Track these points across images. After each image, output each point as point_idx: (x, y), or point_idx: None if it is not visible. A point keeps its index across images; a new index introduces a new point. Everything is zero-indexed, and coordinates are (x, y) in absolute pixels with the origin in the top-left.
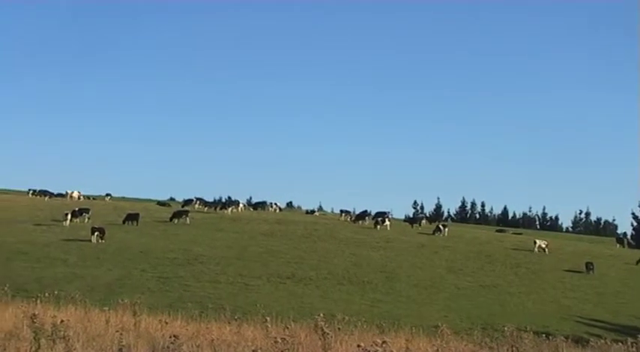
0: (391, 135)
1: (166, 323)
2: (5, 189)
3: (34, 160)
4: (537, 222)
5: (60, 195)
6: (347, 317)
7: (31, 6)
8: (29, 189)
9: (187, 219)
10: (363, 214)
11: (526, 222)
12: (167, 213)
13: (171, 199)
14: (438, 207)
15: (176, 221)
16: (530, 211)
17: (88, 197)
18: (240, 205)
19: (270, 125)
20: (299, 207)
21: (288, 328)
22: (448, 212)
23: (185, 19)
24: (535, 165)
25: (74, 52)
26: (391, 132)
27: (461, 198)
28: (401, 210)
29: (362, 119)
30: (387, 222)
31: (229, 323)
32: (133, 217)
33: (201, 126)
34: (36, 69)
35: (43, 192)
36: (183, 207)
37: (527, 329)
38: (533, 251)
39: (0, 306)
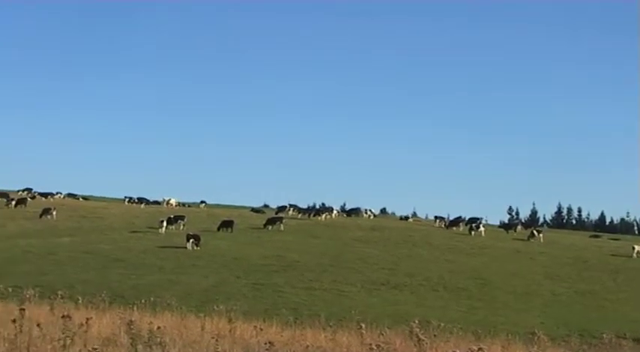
0: (486, 140)
1: (261, 329)
2: (102, 197)
3: (130, 168)
4: (635, 228)
5: (156, 202)
6: (442, 324)
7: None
8: (125, 197)
9: (281, 225)
10: (458, 220)
11: (624, 227)
12: (261, 219)
13: (265, 206)
14: (534, 212)
15: (270, 227)
16: (627, 216)
17: (183, 204)
18: (334, 212)
19: (366, 130)
20: (393, 214)
21: (383, 334)
22: (544, 217)
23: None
24: (634, 170)
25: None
26: (486, 137)
27: (557, 204)
28: (496, 215)
29: (454, 122)
30: (482, 228)
31: (324, 329)
32: (227, 224)
33: (295, 132)
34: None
35: (140, 200)
36: (277, 213)
37: (626, 336)
38: (631, 256)
39: (98, 313)
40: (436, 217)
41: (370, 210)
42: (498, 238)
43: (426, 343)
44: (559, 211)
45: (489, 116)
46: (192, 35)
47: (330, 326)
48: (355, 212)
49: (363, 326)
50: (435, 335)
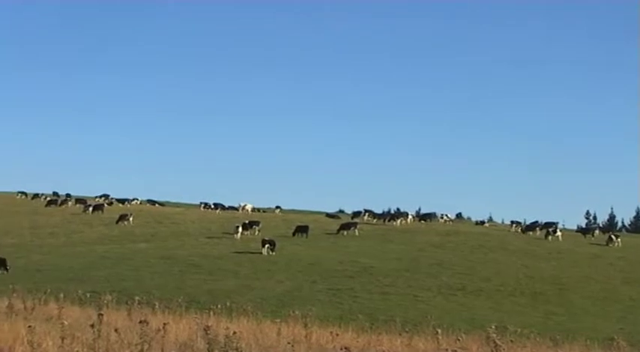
0: (563, 145)
1: (337, 334)
2: (178, 203)
3: (207, 173)
4: None
5: (232, 207)
6: (519, 330)
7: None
8: (201, 202)
9: (356, 230)
10: (534, 225)
11: None
12: (336, 225)
13: (341, 211)
14: (612, 217)
15: (345, 233)
16: None
17: (258, 209)
18: (410, 216)
19: (443, 135)
20: (469, 218)
21: (459, 340)
22: (622, 222)
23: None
24: None
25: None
26: (562, 142)
27: (635, 208)
28: (573, 220)
29: (528, 128)
30: (559, 233)
31: (400, 334)
32: (302, 229)
33: (371, 137)
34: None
35: (216, 205)
36: (352, 218)
37: None
38: None
39: (174, 318)
40: (512, 222)
41: (446, 215)
42: (576, 243)
43: (503, 349)
44: (638, 215)
45: (566, 122)
46: (259, 36)
47: (406, 332)
48: (430, 217)
49: (440, 331)
50: (511, 341)
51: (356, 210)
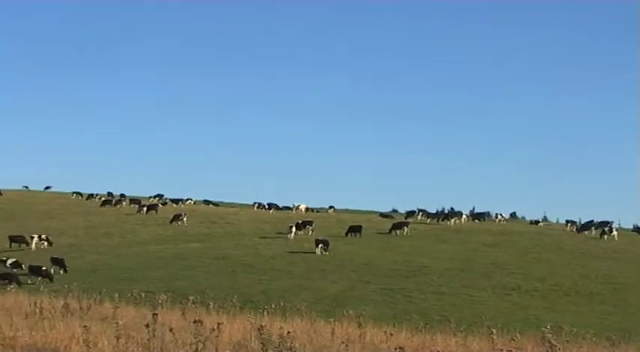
0: (619, 145)
1: (391, 334)
2: (232, 203)
3: (261, 174)
4: None
5: (287, 208)
6: (575, 330)
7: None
8: (254, 202)
9: (407, 230)
10: (589, 224)
11: None
12: (390, 225)
13: (394, 211)
14: None
15: (397, 232)
16: None
17: (312, 209)
18: (463, 216)
19: (497, 135)
20: (523, 218)
21: (514, 340)
22: None
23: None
24: None
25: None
26: (619, 141)
27: None
28: (629, 219)
29: (587, 126)
30: (615, 232)
31: (454, 334)
32: (355, 229)
33: (425, 137)
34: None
35: (270, 205)
36: (406, 218)
37: None
38: None
39: (228, 318)
40: (567, 221)
41: (500, 215)
42: (632, 242)
43: (559, 349)
44: None
45: (622, 122)
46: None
47: (461, 332)
48: (484, 216)
49: (494, 331)
50: (567, 341)
51: (410, 209)
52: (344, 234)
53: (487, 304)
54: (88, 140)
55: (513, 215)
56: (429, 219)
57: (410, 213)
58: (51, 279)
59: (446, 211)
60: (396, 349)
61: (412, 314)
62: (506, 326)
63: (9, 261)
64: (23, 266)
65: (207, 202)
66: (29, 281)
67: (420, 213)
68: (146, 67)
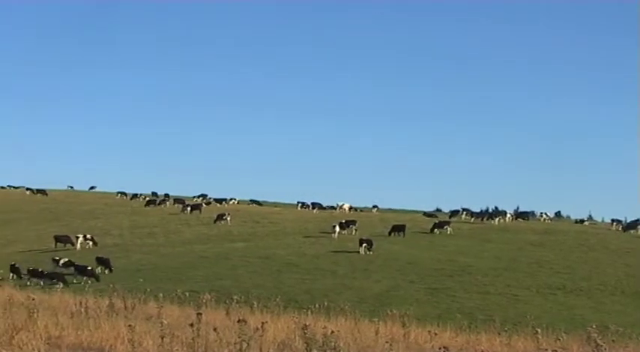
0: None
1: (435, 334)
2: (275, 202)
3: (305, 173)
4: None
5: (331, 207)
6: (621, 329)
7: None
8: (298, 202)
9: (449, 229)
10: (635, 223)
11: None
12: (432, 224)
13: (438, 210)
14: None
15: (437, 232)
16: None
17: (356, 209)
18: (508, 215)
19: (540, 133)
20: (568, 217)
21: (559, 340)
22: None
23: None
24: None
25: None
26: None
27: None
28: None
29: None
30: None
31: (499, 334)
32: (399, 228)
33: (468, 137)
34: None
35: (314, 205)
36: (450, 217)
37: None
38: None
39: (272, 317)
40: (613, 220)
41: (545, 214)
42: None
43: (605, 349)
44: None
45: None
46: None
47: (505, 331)
48: (528, 215)
49: (539, 330)
50: (613, 341)
51: (454, 208)
52: (387, 234)
53: (532, 303)
54: (132, 140)
55: (558, 214)
56: (472, 219)
57: (454, 213)
58: (97, 279)
59: (490, 210)
60: (440, 348)
61: (456, 313)
62: (551, 325)
63: (62, 261)
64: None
65: (254, 202)
66: (75, 281)
67: (464, 213)
68: (193, 66)
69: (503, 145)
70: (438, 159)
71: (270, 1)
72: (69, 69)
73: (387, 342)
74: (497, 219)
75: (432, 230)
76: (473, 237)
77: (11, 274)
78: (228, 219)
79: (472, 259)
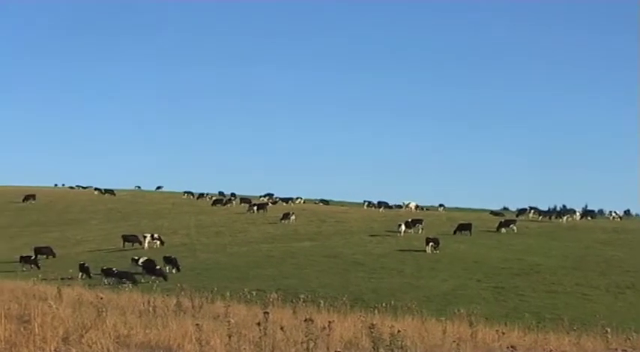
0: None
1: (503, 333)
2: (342, 201)
3: (370, 173)
4: None
5: (397, 206)
6: None
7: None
8: (364, 201)
9: (514, 228)
10: None
11: None
12: (498, 222)
13: (505, 209)
14: None
15: (503, 230)
16: None
17: (422, 208)
18: (576, 214)
19: (608, 130)
20: (637, 215)
21: (629, 339)
22: None
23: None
24: None
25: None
26: None
27: None
28: None
29: None
30: None
31: (567, 333)
32: (464, 227)
33: (537, 134)
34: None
35: (380, 204)
36: (517, 216)
37: None
38: None
39: (339, 316)
40: None
41: (614, 212)
42: None
43: None
44: None
45: None
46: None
47: (574, 330)
48: (595, 214)
49: (609, 330)
50: None
51: (521, 207)
52: (452, 232)
53: (601, 303)
54: (199, 140)
55: (627, 212)
56: (540, 217)
57: (521, 211)
58: (165, 278)
59: (558, 209)
60: (508, 348)
61: (524, 312)
62: (621, 325)
63: (141, 260)
64: (155, 265)
65: (323, 201)
66: (142, 280)
67: (532, 211)
68: (260, 64)
69: (572, 144)
70: (505, 158)
71: None
72: (136, 69)
73: (454, 341)
74: (565, 217)
75: (498, 228)
76: (540, 236)
77: (80, 273)
78: (293, 217)
79: (540, 258)
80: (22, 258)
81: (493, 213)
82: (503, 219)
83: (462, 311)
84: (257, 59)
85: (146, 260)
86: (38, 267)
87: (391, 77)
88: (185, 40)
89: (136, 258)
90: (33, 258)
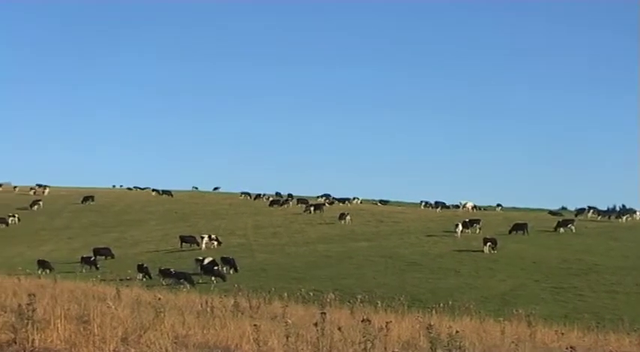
0: None
1: (562, 334)
2: (399, 202)
3: (429, 172)
4: None
5: (455, 206)
6: None
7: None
8: (422, 201)
9: (573, 227)
10: None
11: None
12: (556, 222)
13: (563, 208)
14: None
15: (561, 230)
16: None
17: (479, 208)
18: (636, 213)
19: None
20: None
21: None
22: None
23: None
24: None
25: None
26: None
27: None
28: None
29: None
30: None
31: (628, 334)
32: (520, 227)
33: (595, 133)
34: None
35: (437, 204)
36: (576, 216)
37: None
38: None
39: (397, 317)
40: None
41: None
42: None
43: None
44: None
45: None
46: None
47: (635, 331)
48: None
49: None
50: None
51: (579, 207)
52: (508, 232)
53: None
54: (256, 141)
55: None
56: (599, 217)
57: (580, 211)
58: (223, 279)
59: (617, 208)
60: (567, 348)
61: (583, 313)
62: None
63: (206, 260)
64: (217, 266)
65: (382, 202)
66: (200, 281)
67: (591, 211)
68: (317, 64)
69: (631, 141)
70: (564, 157)
71: None
72: (197, 69)
73: (512, 342)
74: (624, 217)
75: (556, 228)
76: (600, 236)
77: (140, 274)
78: (348, 218)
79: (599, 258)
80: (82, 258)
81: (551, 212)
82: (562, 219)
83: (520, 311)
84: (311, 57)
85: (211, 260)
86: (97, 268)
87: (451, 77)
88: (253, 36)
89: (200, 258)
90: (92, 258)
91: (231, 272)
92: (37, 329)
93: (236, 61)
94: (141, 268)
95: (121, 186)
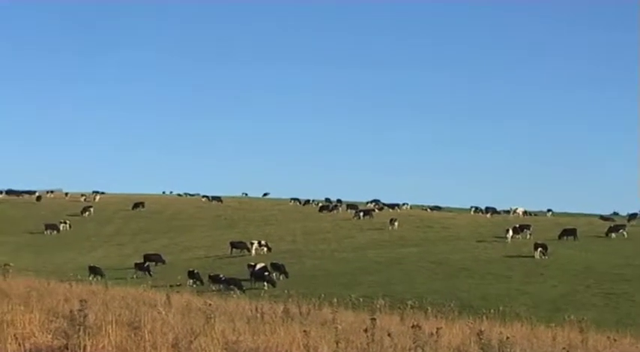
0: None
1: (615, 340)
2: (449, 207)
3: (480, 178)
4: None
5: (505, 211)
6: None
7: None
8: (472, 207)
9: (625, 232)
10: None
11: None
12: (607, 228)
13: (615, 214)
14: None
15: (613, 235)
16: None
17: (530, 213)
18: None
19: None
20: None
21: None
22: None
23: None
24: None
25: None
26: None
27: None
28: None
29: None
30: None
31: None
32: (569, 232)
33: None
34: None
35: (487, 209)
36: (628, 221)
37: None
38: None
39: (447, 323)
40: None
41: None
42: None
43: None
44: None
45: None
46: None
47: None
48: None
49: None
50: None
51: (631, 212)
52: (557, 237)
53: None
54: (306, 146)
55: None
56: None
57: (632, 216)
58: (274, 285)
59: None
60: None
61: (636, 319)
62: None
63: (258, 266)
64: (268, 272)
65: (435, 208)
66: (250, 287)
67: None
68: (368, 67)
69: None
70: (616, 161)
71: None
72: (244, 73)
73: (564, 348)
74: None
75: (607, 233)
76: None
77: (190, 280)
78: (396, 224)
79: None
80: (136, 264)
81: (603, 218)
82: (613, 224)
83: (572, 317)
84: (362, 59)
85: (263, 266)
86: (150, 274)
87: (511, 79)
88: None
89: (253, 264)
90: (146, 265)
91: (281, 278)
92: (89, 334)
93: (290, 63)
94: (191, 274)
95: (171, 192)
